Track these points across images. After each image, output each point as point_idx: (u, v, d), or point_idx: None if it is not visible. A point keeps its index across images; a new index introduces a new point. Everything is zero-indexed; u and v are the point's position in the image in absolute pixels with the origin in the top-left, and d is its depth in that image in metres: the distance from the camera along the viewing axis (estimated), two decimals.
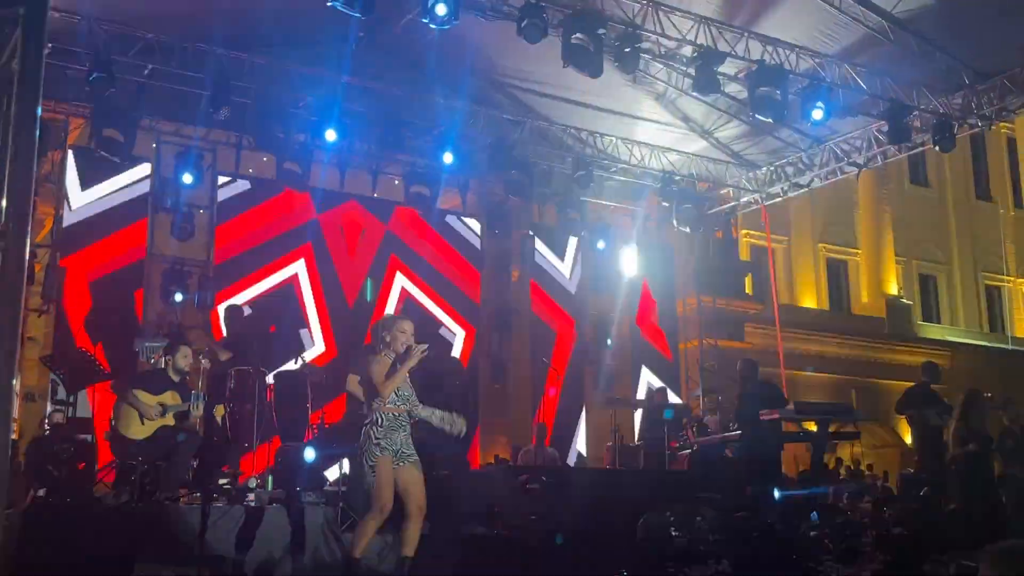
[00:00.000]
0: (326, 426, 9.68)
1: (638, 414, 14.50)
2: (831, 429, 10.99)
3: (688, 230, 15.68)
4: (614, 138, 14.75)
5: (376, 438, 6.01)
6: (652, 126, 14.52)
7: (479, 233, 15.28)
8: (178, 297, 12.52)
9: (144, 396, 7.99)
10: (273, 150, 12.81)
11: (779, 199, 16.37)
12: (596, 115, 14.24)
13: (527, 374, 15.36)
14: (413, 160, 13.97)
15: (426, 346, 6.21)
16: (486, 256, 15.52)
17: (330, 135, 12.46)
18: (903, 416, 12.35)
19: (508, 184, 13.90)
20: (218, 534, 7.18)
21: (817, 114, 11.89)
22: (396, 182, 14.33)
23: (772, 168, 15.50)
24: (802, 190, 15.85)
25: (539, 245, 15.89)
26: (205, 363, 8.95)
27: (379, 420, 6.05)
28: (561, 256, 16.12)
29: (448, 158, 13.28)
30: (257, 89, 12.18)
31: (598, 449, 14.88)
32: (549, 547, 7.86)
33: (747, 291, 21.24)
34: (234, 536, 7.30)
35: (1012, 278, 28.67)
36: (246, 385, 9.29)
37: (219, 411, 9.09)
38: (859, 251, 25.47)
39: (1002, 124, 24.28)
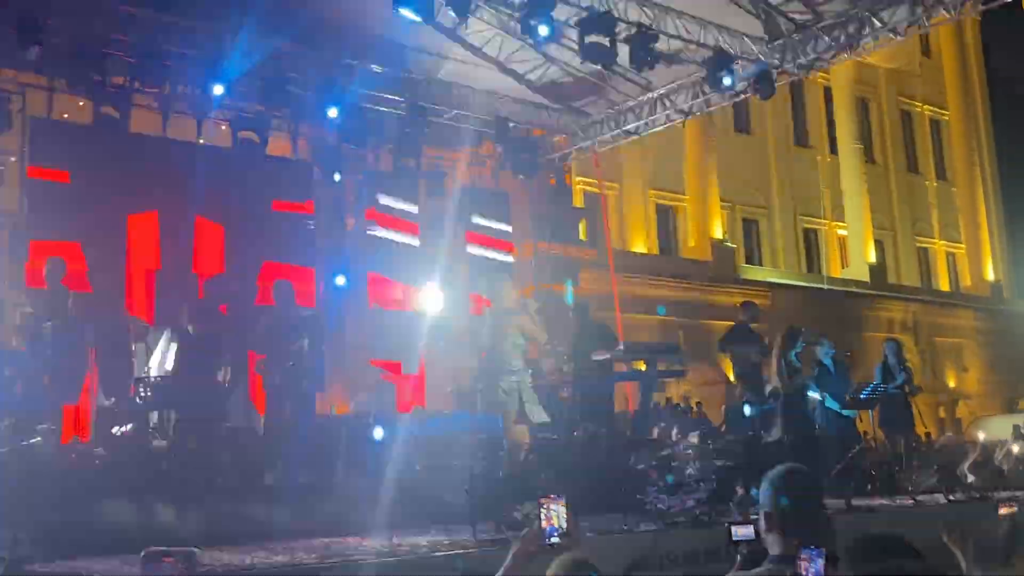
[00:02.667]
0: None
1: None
2: (659, 368, 11.42)
3: (522, 176, 15.82)
4: (449, 83, 14.65)
5: None
6: (486, 72, 14.48)
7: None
8: None
9: None
10: (89, 94, 12.11)
11: (610, 146, 16.70)
12: (430, 60, 14.09)
13: (365, 322, 15.23)
14: (239, 105, 13.47)
15: None
16: (320, 204, 15.19)
17: (151, 79, 11.87)
18: (725, 353, 12.94)
19: (341, 130, 13.62)
20: None
21: (645, 62, 12.12)
22: (223, 127, 13.81)
23: (603, 116, 15.76)
24: (632, 137, 16.21)
25: (383, 192, 15.71)
26: None
27: None
28: (413, 203, 15.99)
29: (280, 103, 12.87)
30: (70, 28, 11.44)
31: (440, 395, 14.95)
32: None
33: (581, 237, 21.66)
34: None
35: (828, 221, 30.32)
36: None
37: None
38: (686, 197, 26.35)
39: (820, 73, 25.48)
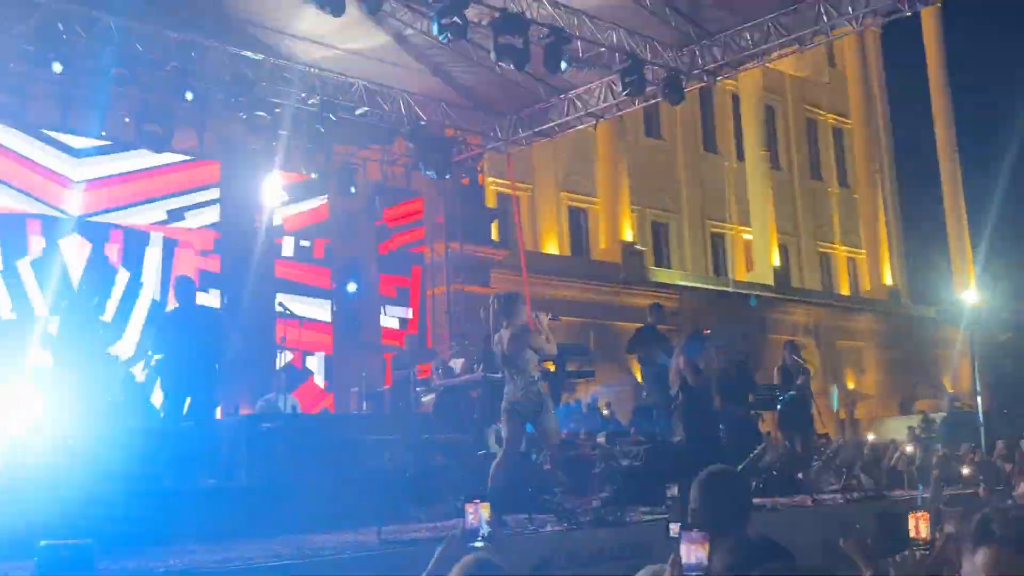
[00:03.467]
0: None
1: (385, 359, 14.56)
2: (569, 369, 11.50)
3: (435, 176, 15.76)
4: (360, 80, 14.50)
5: None
6: (398, 70, 14.39)
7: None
8: None
9: None
10: None
11: (523, 147, 16.76)
12: (343, 56, 13.93)
13: (271, 322, 15.01)
14: (145, 97, 13.12)
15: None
16: (226, 199, 14.94)
17: (56, 68, 11.43)
18: (633, 355, 13.09)
19: (249, 124, 13.39)
20: None
21: (557, 64, 12.18)
22: (127, 120, 13.44)
23: (516, 117, 15.81)
24: (544, 139, 16.29)
25: (291, 189, 15.50)
26: None
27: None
28: (316, 201, 15.84)
29: (187, 96, 12.58)
30: None
31: (345, 394, 14.84)
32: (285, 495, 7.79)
33: (493, 237, 21.73)
34: None
35: (734, 226, 30.94)
36: None
37: None
38: (598, 199, 26.61)
39: (728, 81, 25.97)
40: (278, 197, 15.43)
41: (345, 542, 7.05)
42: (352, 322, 15.62)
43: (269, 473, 8.90)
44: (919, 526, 4.52)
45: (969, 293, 33.02)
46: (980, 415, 18.68)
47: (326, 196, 16.08)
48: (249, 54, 13.22)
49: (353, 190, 15.56)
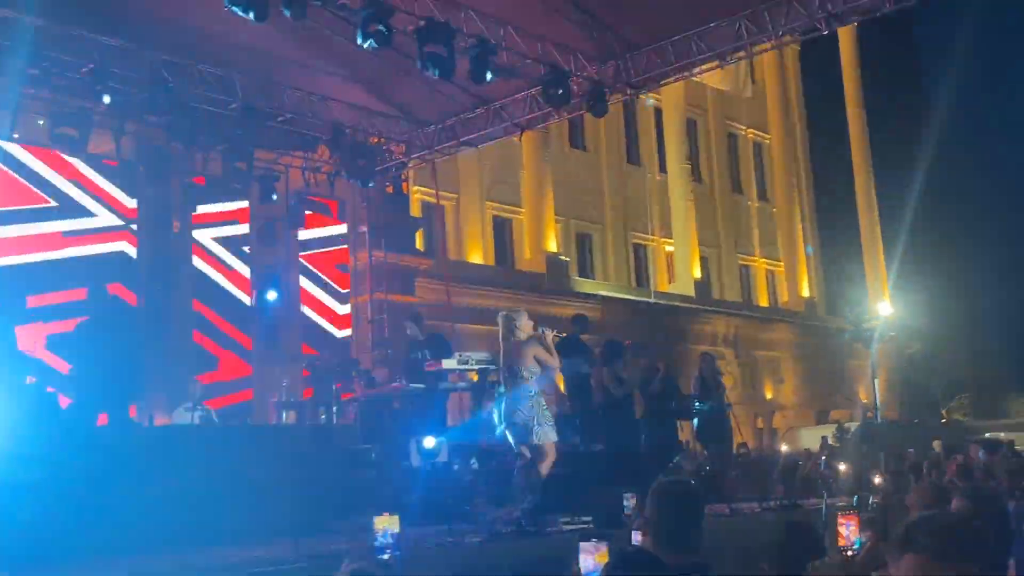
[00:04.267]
0: None
1: (306, 369, 14.39)
2: (491, 379, 11.48)
3: (359, 183, 15.65)
4: (284, 86, 14.33)
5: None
6: (322, 76, 14.26)
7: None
8: None
9: None
10: None
11: (447, 156, 16.74)
12: (266, 60, 13.74)
13: (189, 331, 14.75)
14: (60, 99, 12.77)
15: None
16: (143, 205, 14.63)
17: None
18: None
19: (169, 128, 13.12)
20: None
21: (483, 74, 12.20)
22: (40, 122, 13.07)
23: (442, 126, 15.78)
24: (470, 148, 16.29)
25: (210, 195, 15.25)
26: None
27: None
28: (235, 208, 15.59)
29: (104, 99, 12.27)
30: None
31: (264, 404, 14.62)
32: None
33: (418, 246, 21.65)
34: None
35: (656, 238, 31.33)
36: None
37: None
38: (523, 210, 26.70)
39: (651, 94, 26.29)
40: (197, 202, 15.16)
41: (261, 555, 6.93)
42: (272, 331, 15.39)
43: (183, 485, 8.69)
44: (847, 530, 4.63)
45: (883, 306, 33.98)
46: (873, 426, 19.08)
47: (246, 202, 15.84)
48: (169, 57, 12.97)
49: (274, 197, 15.35)
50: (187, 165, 14.70)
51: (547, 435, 8.06)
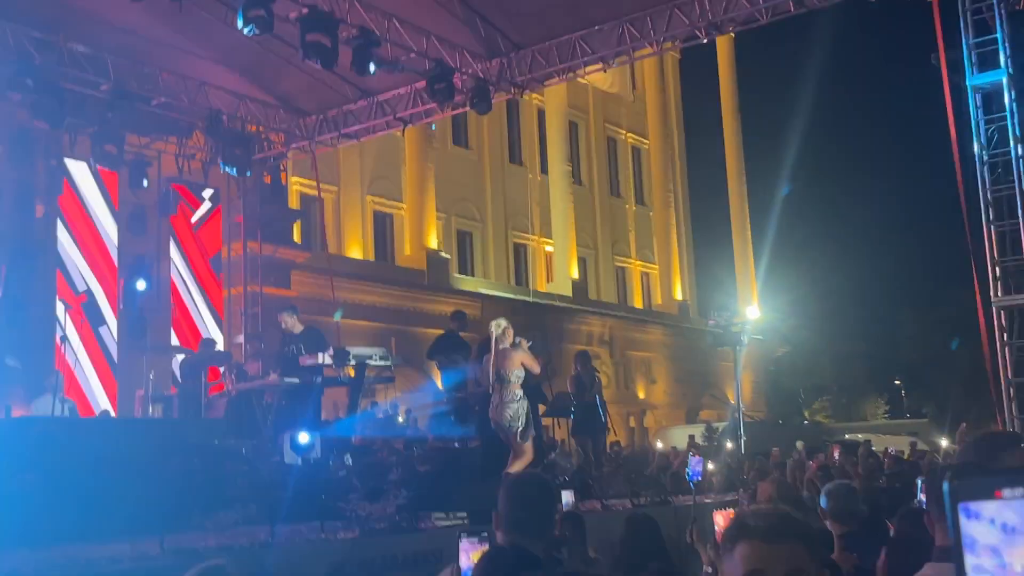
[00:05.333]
0: None
1: (175, 362, 13.98)
2: (369, 374, 11.37)
3: (235, 172, 15.26)
4: (158, 69, 13.86)
5: None
6: (199, 61, 13.87)
7: None
8: None
9: None
10: None
11: (328, 148, 16.49)
12: (140, 42, 13.26)
13: (51, 318, 14.12)
14: None
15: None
16: (4, 187, 13.94)
17: None
18: (434, 361, 13.10)
19: (34, 108, 12.52)
20: None
21: (366, 66, 12.06)
22: None
23: (322, 117, 15.54)
24: (351, 141, 16.09)
25: (79, 179, 14.61)
26: None
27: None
28: (104, 193, 14.98)
29: None
30: None
31: (129, 397, 14.12)
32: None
33: (295, 239, 21.28)
34: None
35: (536, 237, 31.62)
36: None
37: None
38: (404, 205, 26.56)
39: (535, 95, 26.54)
40: (63, 186, 14.52)
41: (124, 552, 6.67)
42: (139, 321, 14.85)
43: (42, 479, 8.31)
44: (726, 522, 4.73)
45: (751, 309, 35.06)
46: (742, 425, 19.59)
47: (116, 188, 15.26)
48: (37, 34, 12.37)
49: (145, 183, 14.84)
50: (53, 146, 14.07)
51: (528, 436, 8.58)
